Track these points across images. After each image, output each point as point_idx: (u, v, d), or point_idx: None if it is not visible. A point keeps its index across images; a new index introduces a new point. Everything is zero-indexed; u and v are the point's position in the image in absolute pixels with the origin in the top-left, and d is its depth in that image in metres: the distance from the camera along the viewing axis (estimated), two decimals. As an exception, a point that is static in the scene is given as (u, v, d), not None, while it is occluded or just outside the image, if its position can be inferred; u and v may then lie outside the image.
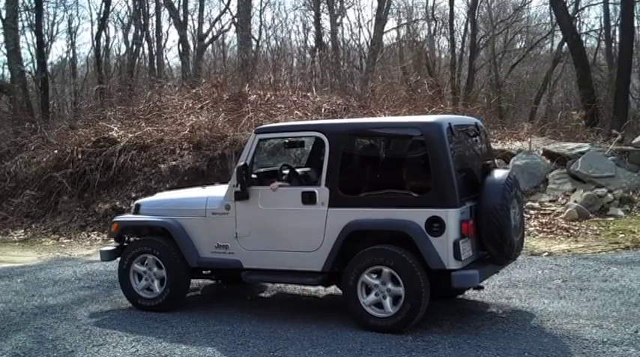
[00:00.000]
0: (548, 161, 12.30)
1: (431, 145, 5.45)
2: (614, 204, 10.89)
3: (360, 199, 5.70)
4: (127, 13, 33.35)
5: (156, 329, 5.91)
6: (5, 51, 22.02)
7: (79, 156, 13.20)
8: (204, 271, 6.72)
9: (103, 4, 27.07)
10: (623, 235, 9.42)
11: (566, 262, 8.09)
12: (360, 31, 42.74)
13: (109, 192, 12.81)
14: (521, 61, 29.69)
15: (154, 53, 29.64)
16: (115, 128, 13.86)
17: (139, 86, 19.38)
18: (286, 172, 6.56)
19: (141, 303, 6.54)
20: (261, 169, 6.58)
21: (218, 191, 6.46)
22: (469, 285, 5.77)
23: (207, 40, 30.23)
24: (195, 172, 12.37)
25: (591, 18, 56.89)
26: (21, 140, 15.71)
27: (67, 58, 33.31)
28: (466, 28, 29.01)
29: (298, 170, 6.69)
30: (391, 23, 32.48)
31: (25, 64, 23.61)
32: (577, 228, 9.95)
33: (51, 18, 34.82)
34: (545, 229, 10.02)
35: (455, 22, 29.11)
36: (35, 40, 24.43)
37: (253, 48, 25.98)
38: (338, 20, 29.02)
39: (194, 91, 15.85)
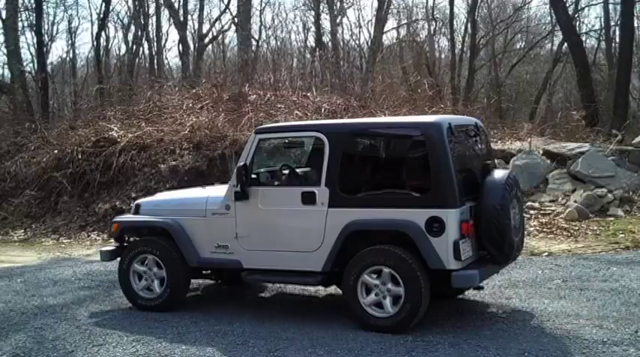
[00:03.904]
0: (548, 161, 12.30)
1: (431, 145, 5.45)
2: (614, 204, 10.90)
3: (360, 199, 5.70)
4: (127, 13, 33.41)
5: (156, 329, 5.91)
6: (5, 51, 22.06)
7: (79, 156, 13.19)
8: (204, 271, 6.72)
9: (103, 4, 27.04)
10: (623, 235, 9.42)
11: (566, 262, 8.09)
12: (360, 31, 42.77)
13: (109, 192, 12.80)
14: (521, 61, 29.70)
15: (154, 53, 29.64)
16: (115, 128, 13.86)
17: (139, 86, 19.37)
18: (286, 172, 6.56)
19: (141, 303, 6.54)
20: (262, 169, 6.58)
21: (218, 191, 6.46)
22: (469, 285, 5.78)
23: (207, 40, 30.24)
24: (195, 172, 12.36)
25: (591, 18, 57.02)
26: (21, 140, 15.70)
27: (67, 58, 33.36)
28: (466, 28, 29.03)
29: (298, 170, 6.69)
30: (391, 23, 32.50)
31: (25, 64, 23.63)
32: (577, 228, 9.95)
33: (51, 18, 34.91)
34: (545, 229, 10.02)
35: (455, 22, 29.15)
36: (35, 40, 24.41)
37: (253, 48, 25.99)
38: (338, 20, 29.05)
39: (194, 91, 15.84)
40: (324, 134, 5.93)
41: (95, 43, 27.37)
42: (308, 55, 29.34)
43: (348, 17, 48.67)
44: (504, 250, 5.61)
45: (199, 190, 7.10)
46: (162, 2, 27.75)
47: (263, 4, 40.18)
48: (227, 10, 30.41)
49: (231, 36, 33.31)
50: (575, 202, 10.82)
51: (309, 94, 15.78)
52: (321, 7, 28.57)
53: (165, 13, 29.30)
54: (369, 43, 26.85)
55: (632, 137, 13.29)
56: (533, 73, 30.47)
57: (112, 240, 7.36)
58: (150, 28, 29.90)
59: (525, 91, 29.93)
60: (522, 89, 30.20)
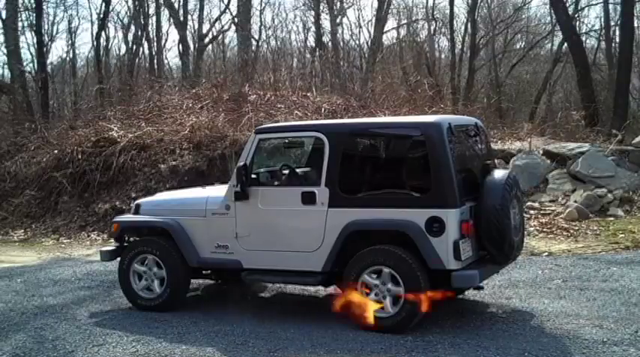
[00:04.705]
0: (548, 161, 12.30)
1: (431, 145, 5.46)
2: (614, 204, 10.90)
3: (360, 199, 5.70)
4: (127, 13, 33.29)
5: (156, 329, 5.91)
6: (5, 51, 22.06)
7: (79, 156, 13.19)
8: (204, 271, 6.72)
9: (103, 4, 27.00)
10: (623, 235, 9.42)
11: (566, 262, 8.09)
12: (360, 31, 42.81)
13: (109, 192, 12.80)
14: (521, 61, 29.67)
15: (153, 53, 29.62)
16: (115, 128, 13.86)
17: (139, 86, 19.35)
18: (286, 172, 6.56)
19: (141, 303, 6.54)
20: (262, 169, 6.58)
21: (218, 191, 6.46)
22: (469, 285, 5.78)
23: (207, 40, 30.21)
24: (195, 172, 12.37)
25: (591, 18, 57.10)
26: (21, 140, 15.71)
27: (67, 58, 33.31)
28: (466, 28, 29.01)
29: (298, 170, 6.69)
30: (391, 23, 32.47)
31: (25, 64, 23.60)
32: (577, 228, 9.95)
33: (51, 18, 35.01)
34: (545, 229, 10.02)
35: (455, 22, 29.12)
36: (35, 40, 24.38)
37: (253, 48, 25.99)
38: (338, 20, 29.02)
39: (194, 91, 15.85)
40: (324, 134, 5.93)
41: (95, 43, 27.38)
42: (308, 55, 29.34)
43: (348, 17, 48.60)
44: (504, 250, 5.61)
45: (199, 190, 7.10)
46: (162, 2, 27.74)
47: (263, 4, 40.18)
48: (227, 10, 30.45)
49: (231, 36, 33.32)
50: (575, 202, 10.82)
51: (309, 94, 15.78)
52: (321, 7, 28.55)
53: (165, 13, 29.32)
54: (369, 43, 26.84)
55: (632, 137, 13.29)
56: (533, 73, 30.44)
57: (112, 240, 7.36)
58: (150, 28, 29.91)
59: (525, 91, 29.90)
60: (522, 89, 30.18)
